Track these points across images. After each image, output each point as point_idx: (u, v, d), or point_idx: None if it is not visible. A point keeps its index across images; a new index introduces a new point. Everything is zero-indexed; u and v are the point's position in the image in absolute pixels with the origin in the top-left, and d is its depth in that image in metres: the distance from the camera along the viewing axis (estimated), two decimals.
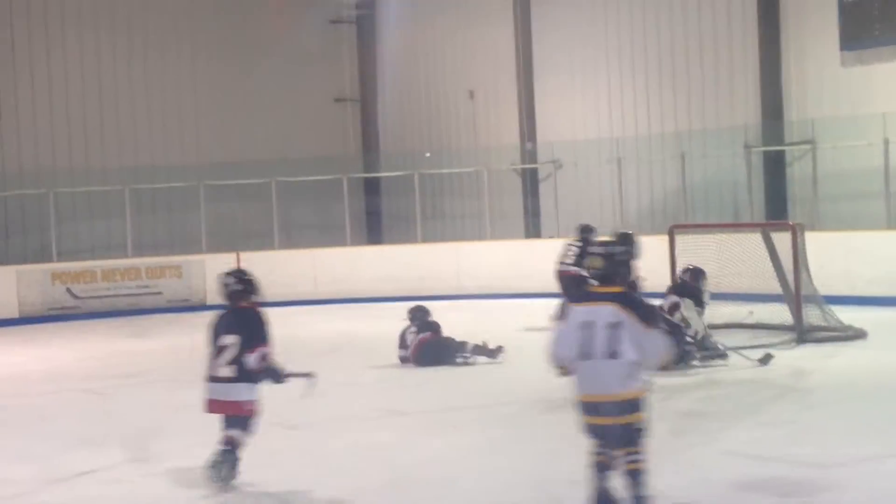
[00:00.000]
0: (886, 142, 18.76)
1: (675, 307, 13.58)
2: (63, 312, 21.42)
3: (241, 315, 8.82)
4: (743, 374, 12.71)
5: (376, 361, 15.45)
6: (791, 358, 13.62)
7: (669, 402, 11.43)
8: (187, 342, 16.49)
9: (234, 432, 8.59)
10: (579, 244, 16.65)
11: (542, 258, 21.57)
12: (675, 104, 22.75)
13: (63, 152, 25.28)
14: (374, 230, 27.42)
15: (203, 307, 22.45)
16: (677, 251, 16.14)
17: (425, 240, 24.27)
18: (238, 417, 8.59)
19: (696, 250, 15.97)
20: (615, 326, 7.11)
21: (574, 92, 24.45)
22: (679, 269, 14.83)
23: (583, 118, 24.31)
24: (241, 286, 8.98)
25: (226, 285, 9.02)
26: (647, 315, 7.25)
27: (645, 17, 23.15)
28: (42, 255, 23.52)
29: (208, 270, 22.57)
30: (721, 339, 14.11)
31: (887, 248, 17.72)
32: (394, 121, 28.15)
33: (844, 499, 7.86)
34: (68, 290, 22.25)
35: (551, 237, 23.61)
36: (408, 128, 27.73)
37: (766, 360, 13.16)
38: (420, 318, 14.84)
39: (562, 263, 16.79)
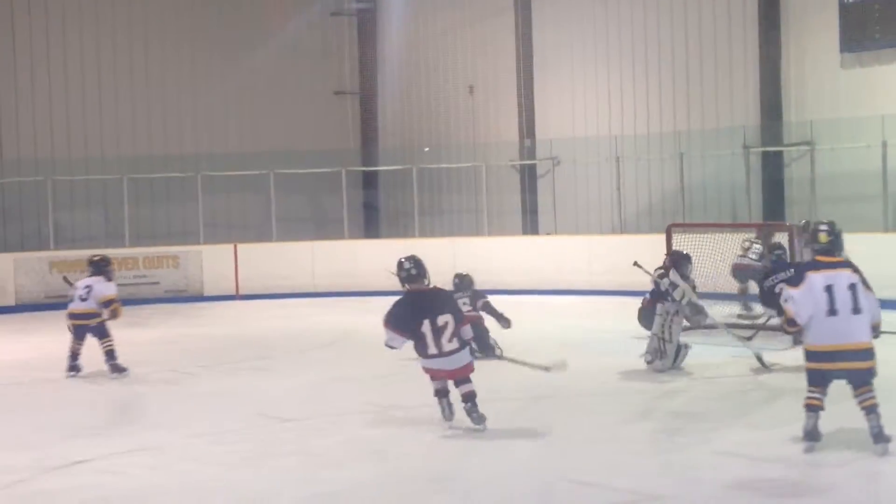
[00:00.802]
0: (885, 144, 18.80)
1: (662, 276, 13.65)
2: (60, 300, 21.26)
3: (439, 296, 10.51)
4: (736, 375, 12.75)
5: (374, 355, 15.48)
6: (785, 359, 13.65)
7: (662, 401, 11.49)
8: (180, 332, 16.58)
9: (468, 386, 10.25)
10: (758, 241, 16.74)
11: (539, 255, 21.71)
12: (675, 103, 22.79)
13: (62, 140, 25.31)
14: (371, 224, 27.46)
15: (200, 298, 22.53)
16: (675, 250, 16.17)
17: (423, 234, 24.30)
18: (466, 377, 10.25)
19: (694, 249, 15.98)
20: (853, 287, 8.83)
21: (574, 89, 24.48)
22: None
23: (582, 116, 24.34)
24: (417, 270, 10.43)
25: (406, 270, 10.44)
26: (866, 280, 8.94)
27: (646, 16, 23.18)
28: (40, 243, 23.54)
29: (205, 261, 22.63)
30: (717, 339, 14.20)
31: (884, 251, 17.74)
32: (393, 115, 28.18)
33: (838, 500, 7.90)
34: (65, 278, 22.14)
35: (548, 234, 23.68)
36: (407, 122, 27.76)
37: (751, 338, 13.53)
38: (468, 287, 14.47)
39: (742, 258, 16.84)
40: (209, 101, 26.87)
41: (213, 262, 22.37)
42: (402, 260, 10.51)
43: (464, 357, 10.25)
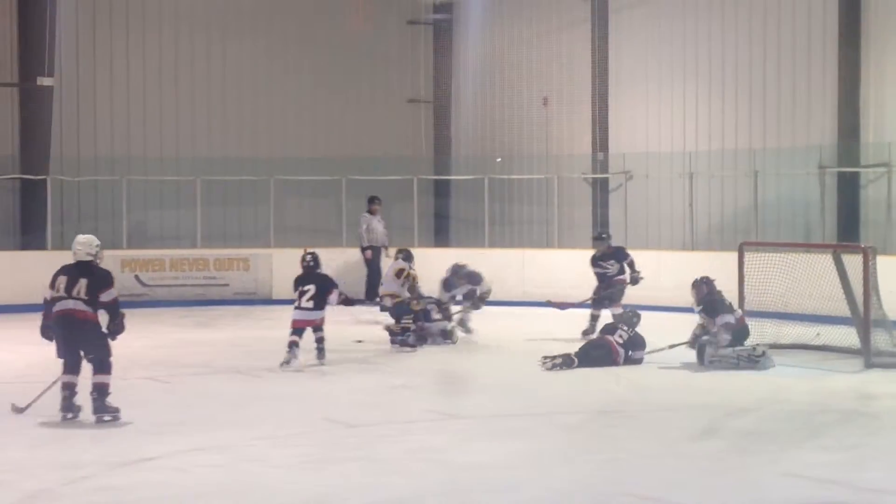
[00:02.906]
0: None
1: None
2: (131, 299, 21.57)
3: (313, 275, 15.37)
4: (807, 395, 12.61)
5: (437, 364, 15.50)
6: (858, 382, 13.51)
7: (730, 419, 11.38)
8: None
9: (320, 333, 15.08)
10: None
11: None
12: (751, 121, 22.61)
13: (138, 141, 25.52)
14: (441, 232, 27.46)
15: (269, 301, 22.63)
16: (746, 268, 16.06)
17: (492, 245, 24.27)
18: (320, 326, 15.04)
19: (766, 268, 15.88)
20: None
21: (648, 103, 24.36)
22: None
23: (656, 130, 24.21)
24: (314, 263, 15.50)
25: (307, 261, 15.53)
26: None
27: (723, 32, 23.02)
28: (113, 242, 23.74)
29: (275, 264, 22.73)
30: (782, 357, 14.14)
31: None
32: (466, 124, 28.17)
33: None
34: (137, 277, 22.49)
35: None
36: (480, 132, 27.73)
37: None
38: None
39: None
40: (284, 105, 27.00)
41: (283, 265, 22.41)
42: (306, 254, 15.54)
43: (318, 314, 14.95)
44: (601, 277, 17.98)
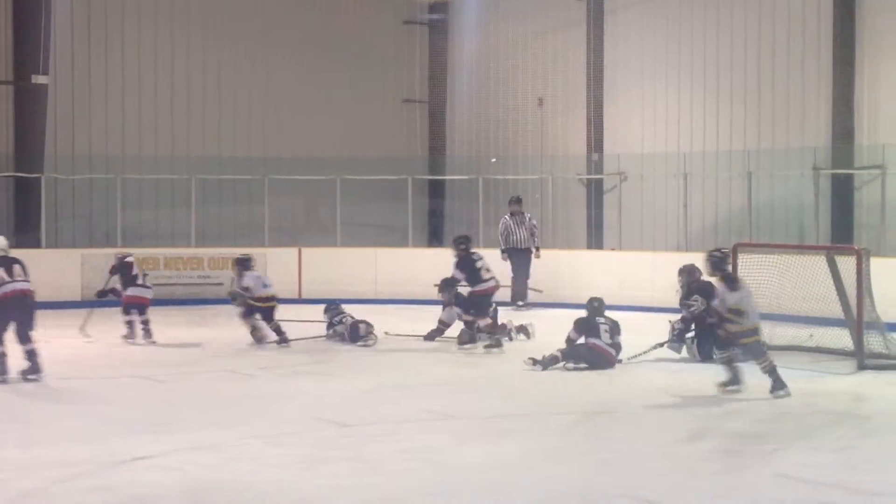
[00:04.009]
0: None
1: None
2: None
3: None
4: (800, 398, 12.62)
5: (430, 364, 15.50)
6: (851, 384, 13.53)
7: (722, 421, 11.40)
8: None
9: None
10: None
11: (603, 269, 21.61)
12: (745, 122, 22.65)
13: (133, 139, 25.51)
14: (436, 233, 27.47)
15: None
16: (740, 270, 16.05)
17: (487, 245, 24.26)
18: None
19: (759, 269, 15.87)
20: None
21: (643, 105, 24.40)
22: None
23: (651, 132, 24.25)
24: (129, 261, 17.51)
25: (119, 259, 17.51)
26: None
27: (719, 34, 23.06)
28: (107, 240, 23.77)
29: (270, 264, 22.69)
30: (776, 359, 14.11)
31: None
32: (461, 124, 28.19)
33: None
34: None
35: (613, 249, 23.57)
36: (475, 132, 27.75)
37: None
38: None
39: None
40: (279, 104, 27.01)
41: (277, 265, 22.43)
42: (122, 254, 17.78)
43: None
44: None
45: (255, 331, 16.74)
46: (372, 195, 25.19)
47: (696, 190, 22.88)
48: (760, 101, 22.39)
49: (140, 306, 17.24)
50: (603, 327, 14.71)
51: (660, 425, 11.21)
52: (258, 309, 16.72)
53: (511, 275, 21.72)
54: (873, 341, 14.71)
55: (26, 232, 23.01)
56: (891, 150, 19.96)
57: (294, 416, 11.56)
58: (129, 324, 17.18)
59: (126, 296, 17.27)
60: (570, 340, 14.54)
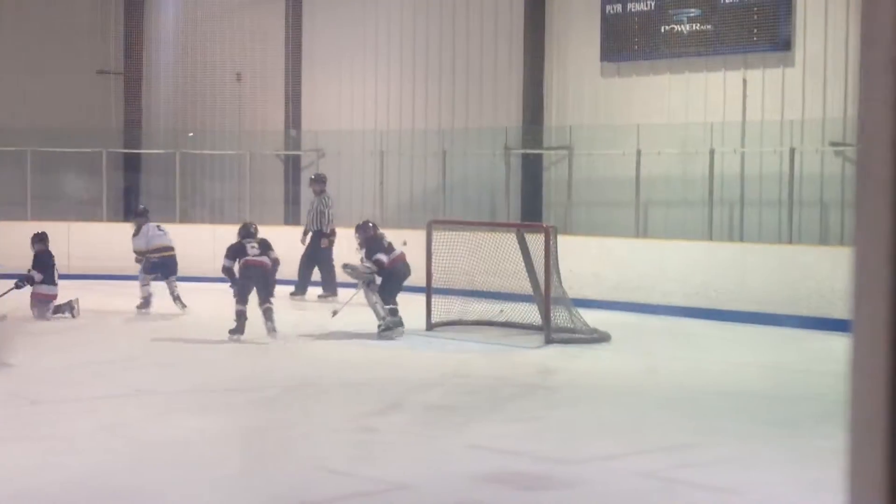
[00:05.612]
0: (639, 153, 19.43)
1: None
2: None
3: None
4: (490, 370, 13.04)
5: (125, 338, 15.28)
6: (538, 357, 14.03)
7: (416, 394, 11.67)
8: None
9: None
10: None
11: (297, 246, 21.59)
12: (441, 101, 23.09)
13: None
14: (132, 207, 26.93)
15: None
16: (434, 246, 16.42)
17: (183, 220, 24.00)
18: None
19: (452, 246, 16.29)
20: None
21: (341, 82, 24.55)
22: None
23: (349, 109, 24.44)
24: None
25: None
26: None
27: (415, 14, 23.42)
28: None
29: None
30: (467, 334, 14.56)
31: (635, 256, 18.39)
32: (158, 97, 27.71)
33: (582, 493, 8.16)
34: None
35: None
36: (172, 105, 27.33)
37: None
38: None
39: None
40: None
41: None
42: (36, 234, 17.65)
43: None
44: None
45: None
46: (65, 168, 24.50)
47: (393, 167, 23.22)
48: (455, 82, 22.87)
49: None
50: (250, 245, 15.44)
51: (355, 398, 11.37)
52: None
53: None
54: (560, 316, 15.25)
55: None
56: (577, 132, 20.74)
57: None
58: None
59: None
60: (225, 269, 15.46)
